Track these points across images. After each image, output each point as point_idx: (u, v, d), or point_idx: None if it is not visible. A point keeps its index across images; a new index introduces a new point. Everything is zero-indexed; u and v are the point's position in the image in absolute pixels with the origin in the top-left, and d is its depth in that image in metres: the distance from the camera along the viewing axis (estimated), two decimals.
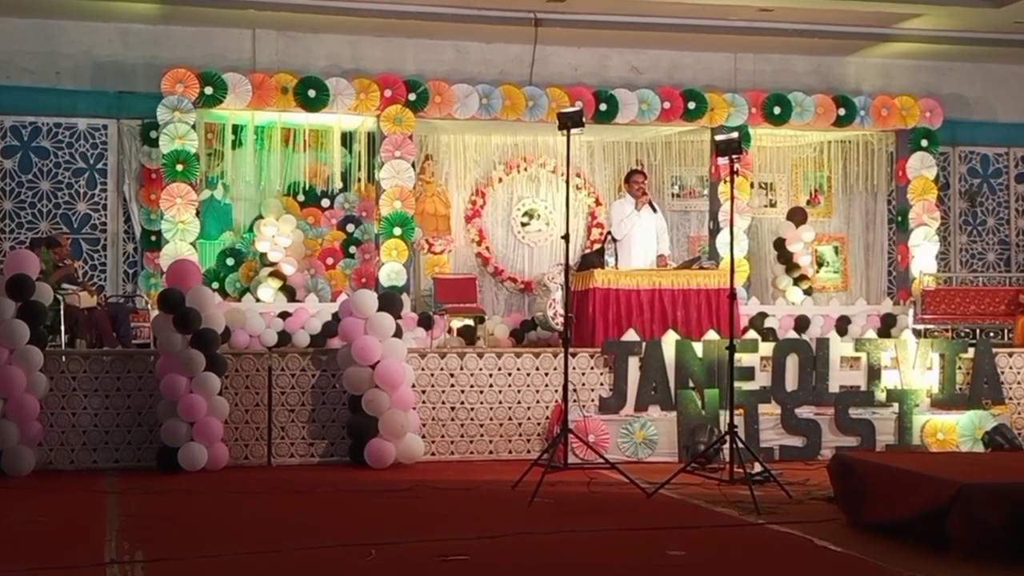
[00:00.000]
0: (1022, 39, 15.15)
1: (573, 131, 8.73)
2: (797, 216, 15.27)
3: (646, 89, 14.36)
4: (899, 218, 15.19)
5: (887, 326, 14.33)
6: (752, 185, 15.04)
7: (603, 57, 15.15)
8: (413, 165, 13.85)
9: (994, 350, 11.02)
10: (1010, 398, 10.93)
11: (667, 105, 14.27)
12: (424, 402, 10.12)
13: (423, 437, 9.98)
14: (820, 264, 15.87)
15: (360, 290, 11.09)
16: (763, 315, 14.12)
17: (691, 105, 14.31)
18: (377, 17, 13.86)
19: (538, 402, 10.32)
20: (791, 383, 10.42)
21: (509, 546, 6.57)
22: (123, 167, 14.03)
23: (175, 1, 13.43)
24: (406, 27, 14.17)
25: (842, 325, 14.24)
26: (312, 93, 13.41)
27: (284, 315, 13.26)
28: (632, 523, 7.21)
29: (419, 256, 14.39)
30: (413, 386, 9.95)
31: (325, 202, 14.61)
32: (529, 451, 10.03)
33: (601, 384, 10.38)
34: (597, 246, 14.21)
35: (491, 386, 10.29)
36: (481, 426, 10.25)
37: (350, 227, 14.64)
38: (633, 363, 10.28)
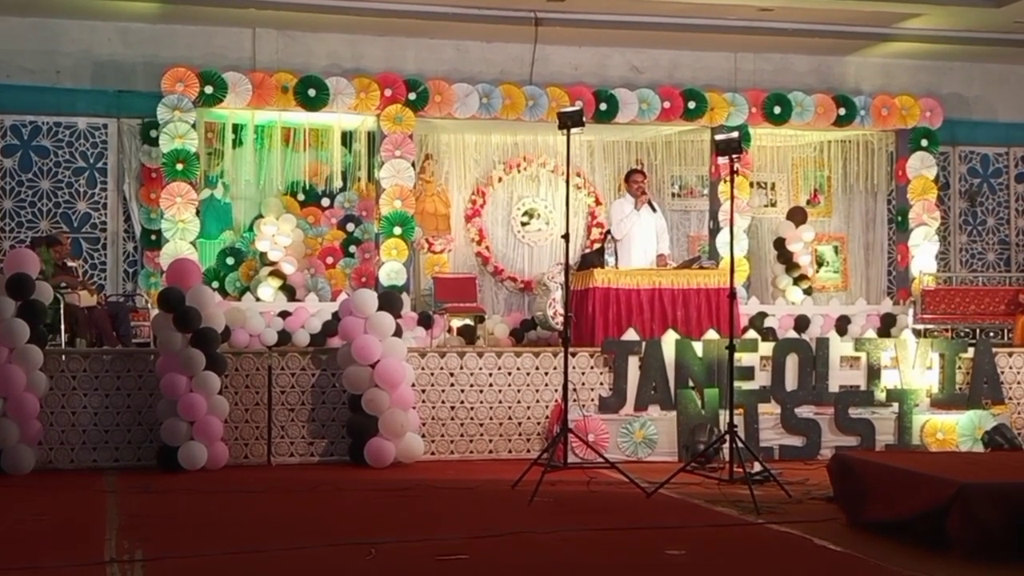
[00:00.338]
0: (1022, 39, 15.15)
1: (573, 130, 8.73)
2: (797, 216, 15.28)
3: (646, 89, 14.37)
4: (899, 218, 15.19)
5: (887, 326, 14.33)
6: (752, 185, 15.05)
7: (603, 56, 15.15)
8: (413, 164, 13.85)
9: (994, 350, 11.02)
10: (1010, 398, 10.94)
11: (667, 105, 14.27)
12: (424, 401, 10.13)
13: (423, 436, 9.98)
14: (820, 264, 15.88)
15: (360, 289, 11.10)
16: (763, 315, 14.13)
17: (691, 105, 14.31)
18: (377, 16, 13.86)
19: (538, 401, 10.32)
20: (791, 383, 10.42)
21: (509, 545, 6.57)
22: (123, 166, 14.03)
23: (175, 0, 13.43)
24: (406, 26, 14.17)
25: (842, 325, 14.24)
26: (312, 92, 13.41)
27: (284, 314, 13.26)
28: (632, 522, 7.21)
29: (419, 255, 14.39)
30: (413, 385, 9.96)
31: (325, 201, 14.62)
32: (529, 450, 10.04)
33: (601, 383, 10.38)
34: (597, 245, 14.22)
35: (491, 385, 10.29)
36: (481, 425, 10.26)
37: (350, 226, 14.64)
38: (633, 363, 10.28)
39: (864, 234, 16.09)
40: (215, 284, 13.55)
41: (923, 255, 14.83)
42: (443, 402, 10.21)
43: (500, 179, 15.15)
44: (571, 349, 9.23)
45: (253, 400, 9.91)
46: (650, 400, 10.24)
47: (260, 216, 14.20)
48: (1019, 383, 11.08)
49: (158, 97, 13.13)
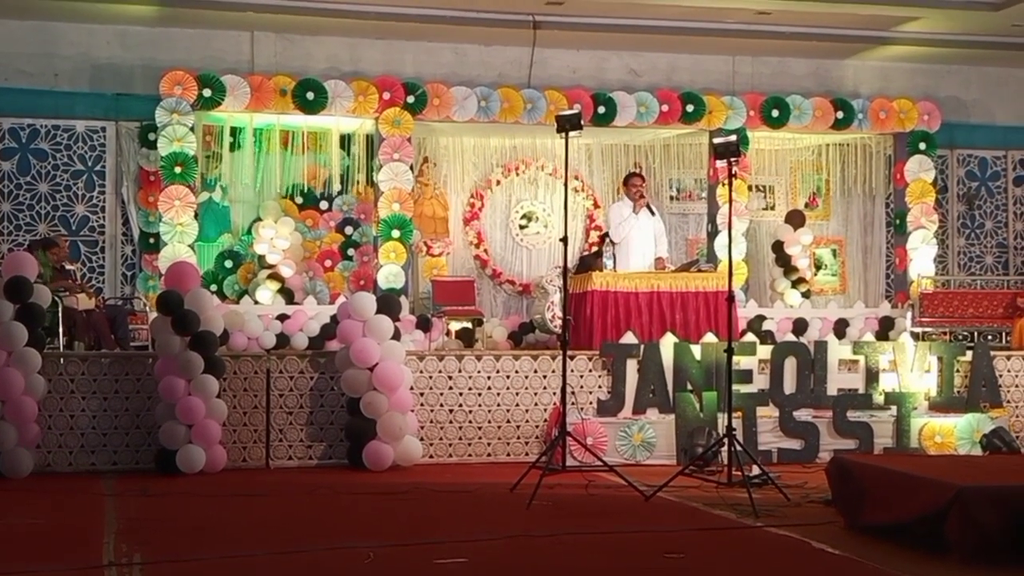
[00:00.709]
0: (1020, 42, 15.16)
1: (571, 134, 8.73)
2: (795, 219, 15.28)
3: (644, 92, 14.37)
4: (897, 221, 15.20)
5: (885, 329, 14.33)
6: (750, 188, 15.05)
7: (601, 60, 15.16)
8: (411, 167, 13.84)
9: (992, 353, 11.02)
10: (1008, 401, 10.94)
11: (665, 108, 14.27)
12: (422, 404, 10.12)
13: (421, 439, 9.98)
14: (818, 267, 15.88)
15: (358, 292, 11.09)
16: (761, 318, 14.12)
17: (689, 108, 14.31)
18: (376, 19, 13.86)
19: (536, 404, 10.32)
20: (789, 386, 10.43)
21: (507, 549, 6.57)
22: (121, 169, 14.02)
23: (173, 3, 13.43)
24: (405, 29, 14.18)
25: (840, 328, 14.24)
26: (310, 95, 13.40)
27: (282, 317, 13.25)
28: (630, 526, 7.21)
29: (417, 258, 14.38)
30: (411, 388, 9.95)
31: (323, 204, 14.61)
32: (527, 453, 10.04)
33: (599, 387, 10.38)
34: (595, 248, 14.22)
35: (489, 388, 10.29)
36: (479, 428, 10.25)
37: (348, 229, 14.64)
38: (631, 366, 10.28)
39: (862, 237, 16.10)
40: (213, 287, 13.53)
41: (921, 258, 14.83)
42: (441, 405, 10.21)
43: (498, 182, 15.15)
44: (569, 352, 9.23)
45: (251, 403, 9.91)
46: (648, 403, 10.25)
47: (258, 219, 14.19)
48: (1017, 386, 11.08)
49: (156, 100, 13.12)
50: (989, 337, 14.08)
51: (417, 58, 14.61)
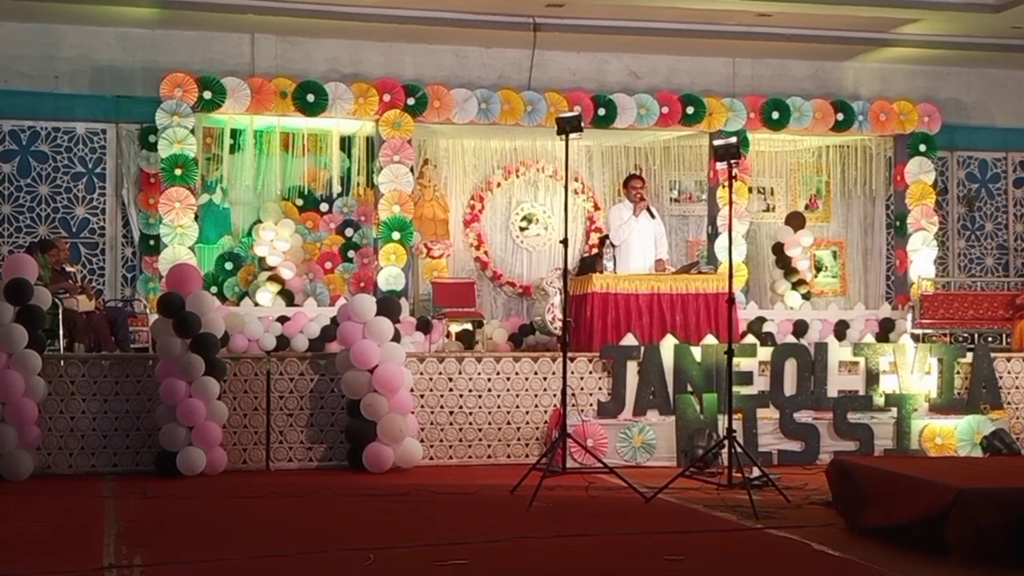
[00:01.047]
0: (1020, 44, 15.16)
1: (572, 135, 8.73)
2: (795, 221, 15.28)
3: (644, 94, 14.37)
4: (897, 223, 15.20)
5: (885, 331, 14.33)
6: (750, 190, 15.05)
7: (601, 62, 15.17)
8: (412, 169, 13.85)
9: (992, 355, 11.01)
10: (1008, 403, 10.93)
11: (665, 110, 14.28)
12: (422, 406, 10.12)
13: (421, 441, 9.98)
14: (818, 269, 15.88)
15: (358, 294, 11.09)
16: (761, 319, 14.12)
17: (689, 110, 14.32)
18: (376, 22, 13.87)
19: (536, 406, 10.32)
20: (789, 387, 10.43)
21: (507, 550, 6.57)
22: (122, 171, 14.03)
23: (174, 5, 13.43)
24: (405, 32, 14.18)
25: (840, 330, 14.24)
26: (311, 97, 13.41)
27: (283, 319, 13.26)
28: (630, 528, 7.21)
29: (418, 260, 14.39)
30: (411, 390, 9.95)
31: (324, 206, 14.62)
32: (527, 455, 10.03)
33: (599, 388, 10.38)
34: (595, 250, 14.22)
35: (489, 390, 10.29)
36: (479, 430, 10.25)
37: (349, 231, 14.64)
38: (631, 367, 10.28)
39: (862, 239, 16.10)
40: (213, 289, 13.52)
41: (921, 260, 14.83)
42: (442, 407, 10.21)
43: (499, 184, 15.16)
44: (570, 354, 9.23)
45: (251, 405, 9.91)
46: (649, 405, 10.25)
47: (259, 221, 14.20)
48: (1017, 388, 11.08)
49: (157, 102, 13.13)
50: (989, 339, 14.08)
51: (417, 60, 14.61)
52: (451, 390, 10.24)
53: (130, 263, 14.09)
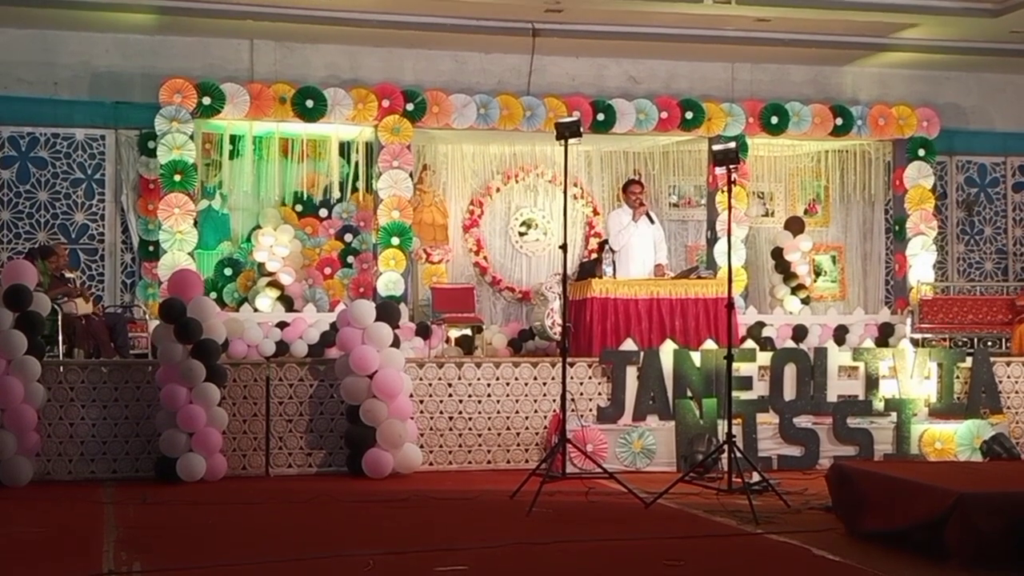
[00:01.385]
0: (1019, 48, 15.17)
1: (571, 141, 8.73)
2: (795, 226, 15.28)
3: (643, 99, 14.39)
4: (896, 227, 15.20)
5: (885, 335, 14.33)
6: (749, 195, 15.05)
7: (600, 67, 15.17)
8: (411, 175, 13.86)
9: (992, 359, 11.02)
10: (1008, 407, 10.94)
11: (664, 115, 14.28)
12: (422, 412, 10.12)
13: (421, 447, 9.98)
14: (818, 273, 15.88)
15: (358, 300, 11.10)
16: (761, 324, 14.12)
17: (688, 115, 14.33)
18: (375, 27, 13.88)
19: (536, 412, 10.31)
20: (789, 392, 10.42)
21: (507, 556, 6.57)
22: (121, 177, 14.03)
23: (173, 12, 13.44)
24: (404, 37, 14.19)
25: (840, 334, 14.24)
26: (310, 103, 13.42)
27: (282, 325, 13.26)
28: (630, 533, 7.21)
29: (417, 266, 14.39)
30: (411, 396, 9.95)
31: (323, 212, 14.62)
32: (527, 461, 10.03)
33: (599, 394, 10.38)
34: (594, 255, 14.22)
35: (489, 396, 10.29)
36: (479, 436, 10.25)
37: (348, 237, 14.64)
38: (631, 373, 10.28)
39: (862, 244, 16.10)
40: (213, 295, 13.51)
41: (921, 265, 14.84)
42: (441, 412, 10.20)
43: (498, 189, 15.16)
44: (569, 359, 9.23)
45: (251, 411, 9.91)
46: (648, 410, 10.24)
47: (258, 227, 14.20)
48: (1017, 392, 11.08)
49: (156, 108, 13.14)
50: (989, 343, 14.10)
51: (416, 66, 14.62)
52: (451, 395, 10.24)
53: (129, 269, 14.09)
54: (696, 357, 10.33)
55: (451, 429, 10.21)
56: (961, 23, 14.31)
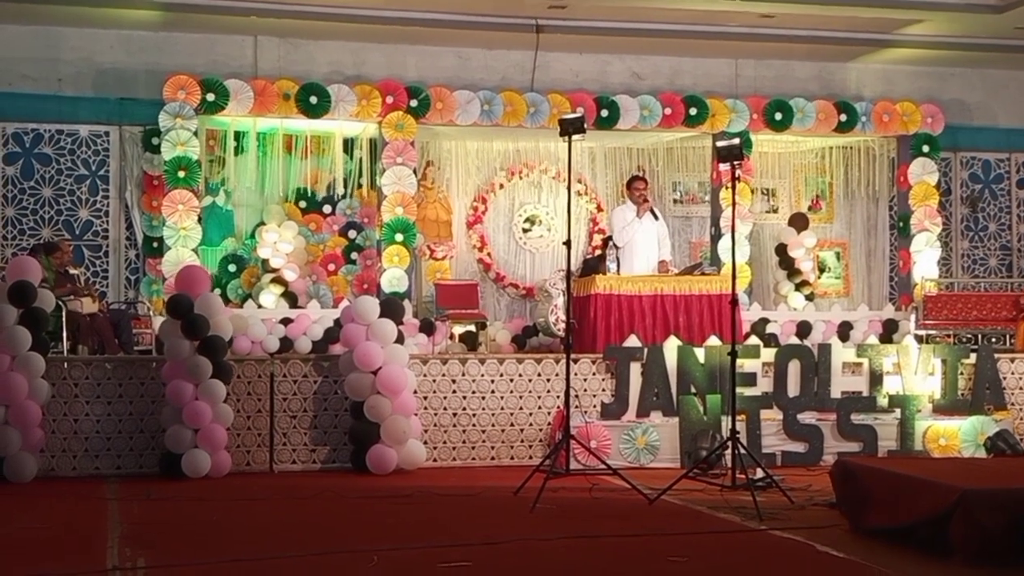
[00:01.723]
0: (1023, 44, 15.14)
1: (574, 137, 8.74)
2: (799, 222, 15.27)
3: (647, 95, 14.37)
4: (901, 224, 15.19)
5: (889, 332, 14.32)
6: (753, 191, 15.04)
7: (604, 63, 15.16)
8: (415, 171, 13.86)
9: (996, 355, 11.02)
10: (1012, 403, 10.94)
11: (668, 111, 14.28)
12: (426, 408, 10.13)
13: (425, 443, 9.99)
14: (822, 270, 15.87)
15: (362, 296, 11.10)
16: (765, 321, 14.12)
17: (692, 111, 14.31)
18: (379, 24, 13.87)
19: (540, 408, 10.32)
20: (793, 389, 10.43)
21: (511, 552, 6.57)
22: (125, 174, 14.03)
23: (177, 8, 13.44)
24: (408, 34, 14.18)
25: (844, 331, 14.23)
26: (314, 100, 13.42)
27: (286, 321, 13.26)
28: (634, 529, 7.21)
29: (421, 262, 14.39)
30: (415, 392, 9.96)
31: (327, 208, 14.62)
32: (531, 457, 10.04)
33: (603, 390, 10.38)
34: (598, 252, 14.22)
35: (493, 392, 10.29)
36: (483, 432, 10.26)
37: (352, 233, 14.64)
38: (635, 369, 10.28)
39: (866, 240, 16.09)
40: (217, 291, 13.53)
41: (925, 261, 14.83)
42: (445, 409, 10.21)
43: (502, 186, 15.16)
44: (573, 355, 9.24)
45: (255, 407, 9.92)
46: (652, 406, 10.25)
47: (262, 223, 14.20)
48: (1021, 388, 11.08)
49: (160, 105, 13.14)
50: (993, 339, 14.08)
51: (420, 62, 14.61)
52: (454, 392, 10.24)
53: (133, 265, 14.09)
54: (700, 353, 10.33)
55: (455, 425, 10.22)
56: (965, 19, 14.29)
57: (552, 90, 14.21)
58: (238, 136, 13.92)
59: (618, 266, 12.07)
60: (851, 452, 10.02)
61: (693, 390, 10.23)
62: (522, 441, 10.28)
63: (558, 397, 10.09)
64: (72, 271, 12.38)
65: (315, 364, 10.13)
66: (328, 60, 14.40)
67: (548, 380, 10.35)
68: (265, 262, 13.99)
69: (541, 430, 10.29)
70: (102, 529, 7.19)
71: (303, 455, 9.98)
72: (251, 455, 9.88)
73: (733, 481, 8.53)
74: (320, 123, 13.77)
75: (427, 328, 13.34)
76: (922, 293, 14.52)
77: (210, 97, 13.15)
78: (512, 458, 10.20)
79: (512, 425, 10.27)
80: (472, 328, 13.84)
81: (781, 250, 15.26)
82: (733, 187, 9.05)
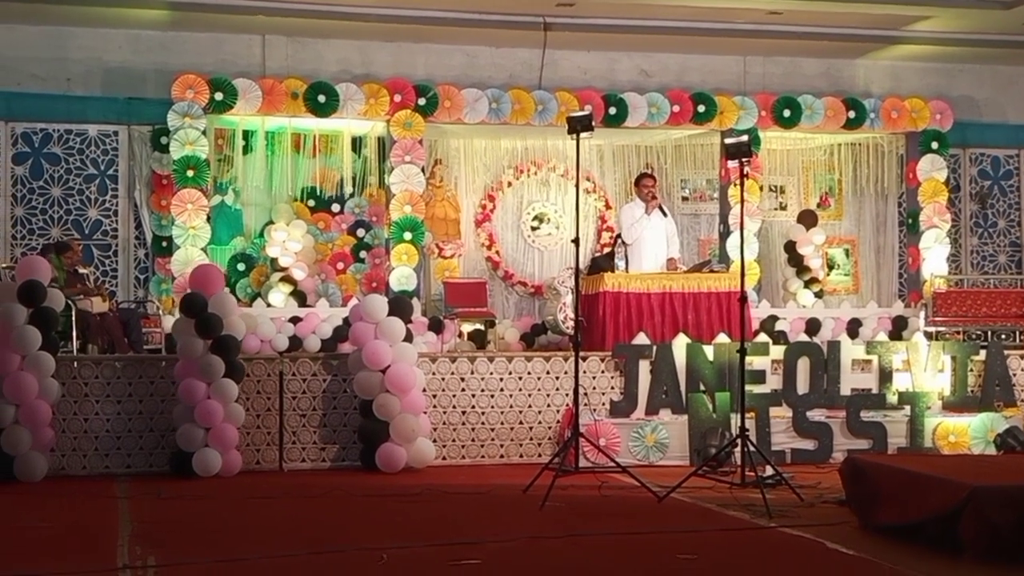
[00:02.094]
0: None
1: (583, 135, 8.74)
2: (807, 219, 15.25)
3: (655, 92, 14.36)
4: (910, 220, 15.16)
5: (898, 329, 14.29)
6: (762, 188, 15.02)
7: (612, 61, 15.15)
8: (423, 170, 13.86)
9: (1006, 352, 11.01)
10: (1022, 400, 10.92)
11: (676, 108, 14.26)
12: (435, 406, 10.14)
13: (434, 441, 10.00)
14: (831, 267, 15.84)
15: (370, 295, 11.10)
16: (774, 318, 14.09)
17: (700, 108, 14.30)
18: (387, 22, 13.87)
19: (549, 406, 10.32)
20: (802, 386, 10.42)
21: (521, 550, 6.58)
22: (134, 173, 14.05)
23: (185, 7, 13.45)
24: (416, 32, 14.19)
25: (853, 328, 14.20)
26: (322, 98, 13.42)
27: (295, 320, 13.27)
28: (643, 527, 7.22)
29: (429, 260, 14.40)
30: (424, 390, 9.97)
31: (335, 207, 14.62)
32: (540, 455, 10.05)
33: (612, 388, 10.39)
34: (607, 250, 14.22)
35: (502, 390, 10.30)
36: (492, 430, 10.26)
37: (360, 232, 14.64)
38: (644, 366, 10.28)
39: (875, 237, 16.06)
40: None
41: (934, 257, 14.79)
42: (454, 407, 10.22)
43: (510, 184, 15.16)
44: (582, 353, 9.24)
45: (265, 406, 9.93)
46: (661, 404, 10.25)
47: (271, 222, 14.21)
48: None
49: (168, 104, 13.15)
50: (1003, 336, 14.05)
51: (428, 60, 14.61)
52: (463, 390, 10.25)
53: (143, 265, 14.12)
54: (709, 351, 10.33)
55: (464, 423, 10.22)
56: (974, 15, 14.27)
57: (560, 88, 14.20)
58: (247, 135, 13.93)
59: (627, 263, 12.06)
60: (861, 449, 10.01)
61: (702, 388, 10.23)
62: (531, 439, 10.29)
63: (567, 395, 10.10)
64: (82, 271, 12.41)
65: (324, 363, 10.14)
66: (336, 59, 14.41)
67: (557, 378, 10.35)
68: (274, 261, 14.00)
69: (550, 428, 10.30)
70: (112, 528, 7.20)
71: (312, 453, 9.99)
72: (261, 454, 9.90)
73: (742, 479, 8.54)
74: (328, 122, 13.78)
75: (436, 326, 13.35)
76: (931, 290, 14.49)
77: (218, 96, 13.16)
78: (521, 456, 10.21)
79: (521, 423, 10.28)
80: (481, 326, 13.84)
81: (790, 247, 15.24)
82: (741, 184, 9.06)
